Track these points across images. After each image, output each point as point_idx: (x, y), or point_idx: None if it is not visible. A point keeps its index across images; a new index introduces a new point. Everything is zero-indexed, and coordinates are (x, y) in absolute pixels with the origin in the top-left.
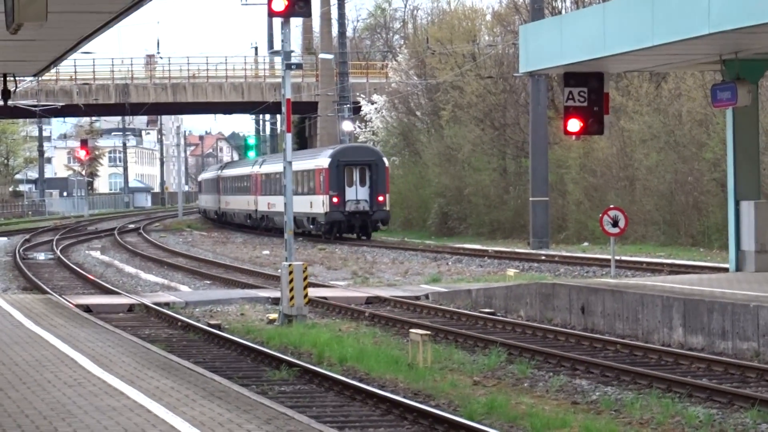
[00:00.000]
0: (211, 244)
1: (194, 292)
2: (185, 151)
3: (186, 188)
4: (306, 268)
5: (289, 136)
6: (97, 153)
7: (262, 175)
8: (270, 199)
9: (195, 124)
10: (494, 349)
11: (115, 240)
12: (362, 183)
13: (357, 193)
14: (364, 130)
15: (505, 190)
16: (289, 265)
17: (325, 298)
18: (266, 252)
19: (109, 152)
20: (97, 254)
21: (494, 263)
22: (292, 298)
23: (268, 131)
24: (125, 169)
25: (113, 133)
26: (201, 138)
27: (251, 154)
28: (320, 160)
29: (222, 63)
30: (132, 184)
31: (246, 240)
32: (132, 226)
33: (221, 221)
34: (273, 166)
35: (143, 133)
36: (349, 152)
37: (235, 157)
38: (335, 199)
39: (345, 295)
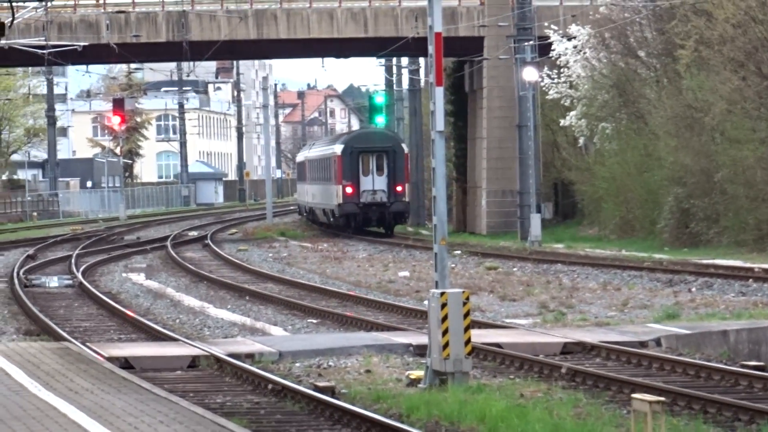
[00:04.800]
0: (318, 261)
1: (293, 337)
2: (277, 117)
3: (278, 174)
4: (468, 297)
5: (439, 92)
6: (138, 120)
7: None
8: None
9: (291, 73)
10: (766, 424)
11: (167, 256)
12: (379, 172)
13: (374, 183)
14: (556, 80)
15: None
16: (442, 294)
17: (498, 345)
18: (404, 273)
19: (158, 119)
20: (140, 278)
21: (764, 289)
22: (446, 345)
23: (404, 84)
24: (183, 145)
25: (164, 89)
26: (301, 95)
27: (379, 119)
28: (336, 146)
29: None
30: (194, 168)
31: (372, 255)
32: (194, 233)
33: None
34: None
35: (211, 88)
36: (365, 138)
37: (354, 125)
38: (349, 189)
39: (529, 340)
